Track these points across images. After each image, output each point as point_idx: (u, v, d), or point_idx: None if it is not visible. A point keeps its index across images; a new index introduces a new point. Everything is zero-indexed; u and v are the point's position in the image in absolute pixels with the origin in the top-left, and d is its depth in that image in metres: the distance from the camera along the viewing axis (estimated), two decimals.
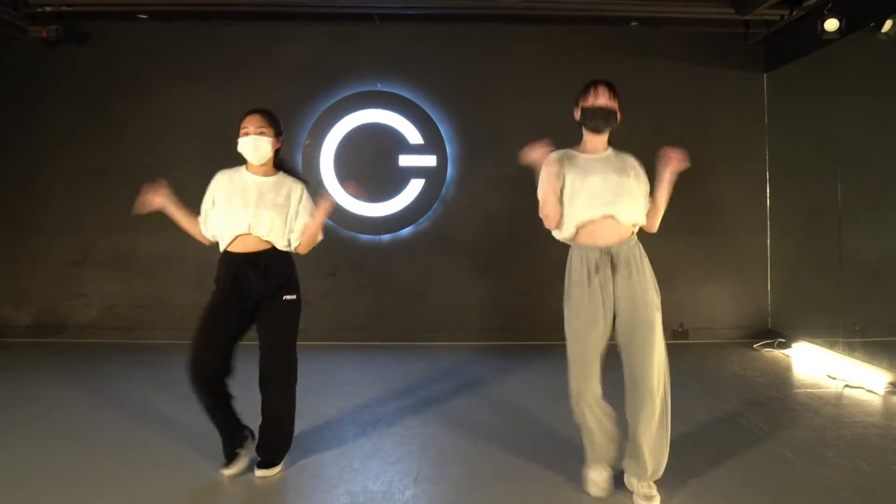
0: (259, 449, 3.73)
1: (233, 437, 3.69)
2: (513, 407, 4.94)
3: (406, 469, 3.77)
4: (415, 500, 3.35)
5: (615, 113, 3.31)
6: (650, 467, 3.23)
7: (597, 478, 3.42)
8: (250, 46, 7.49)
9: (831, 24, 6.01)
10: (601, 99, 3.28)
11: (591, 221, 3.26)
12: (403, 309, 7.45)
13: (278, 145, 3.75)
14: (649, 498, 3.24)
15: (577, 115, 3.41)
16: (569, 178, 3.29)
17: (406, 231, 7.45)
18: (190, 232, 3.83)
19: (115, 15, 7.27)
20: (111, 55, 7.53)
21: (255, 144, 3.61)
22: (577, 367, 3.28)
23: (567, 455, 3.85)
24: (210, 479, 3.61)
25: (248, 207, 3.60)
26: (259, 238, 3.63)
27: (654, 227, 3.49)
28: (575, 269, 3.31)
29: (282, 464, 3.76)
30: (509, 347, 7.04)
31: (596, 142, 3.39)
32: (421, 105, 7.43)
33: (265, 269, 3.65)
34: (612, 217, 3.24)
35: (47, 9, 6.90)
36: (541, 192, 3.35)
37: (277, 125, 3.74)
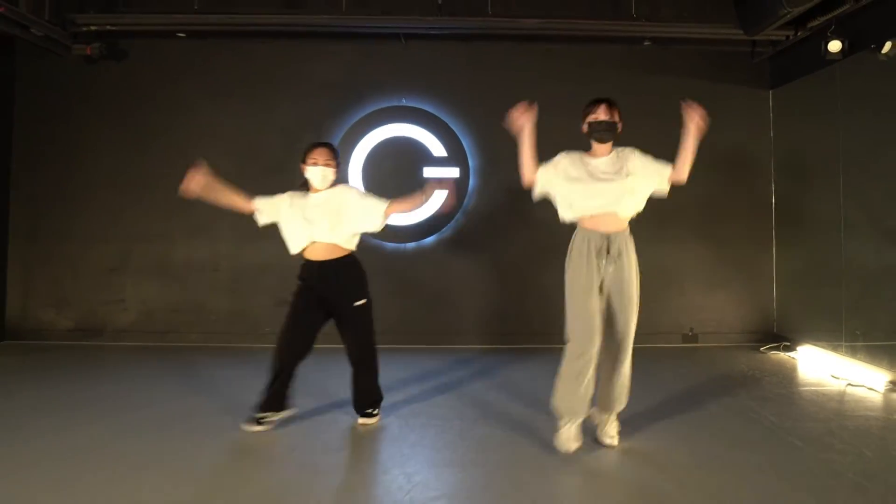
0: (359, 409, 4.73)
1: (276, 402, 4.49)
2: (539, 403, 5.30)
3: (452, 454, 4.14)
4: (465, 480, 3.72)
5: (616, 125, 4.11)
6: (620, 403, 4.17)
7: (573, 432, 4.12)
8: (281, 63, 7.91)
9: (834, 46, 6.39)
10: (602, 114, 4.09)
11: (595, 214, 4.04)
12: (427, 313, 7.84)
13: (337, 174, 4.56)
14: (613, 437, 4.23)
15: (585, 128, 4.19)
16: (576, 176, 4.11)
17: (430, 239, 7.84)
18: (234, 205, 4.61)
19: (154, 33, 7.67)
20: (148, 71, 7.94)
21: (324, 175, 4.44)
22: (580, 325, 3.98)
23: (595, 443, 4.23)
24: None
25: (310, 221, 4.41)
26: (326, 247, 4.41)
27: (683, 175, 4.14)
28: (577, 246, 4.06)
29: (378, 414, 4.77)
30: (529, 350, 7.41)
31: (601, 149, 4.18)
32: (444, 119, 7.85)
33: (335, 275, 4.45)
34: (610, 212, 4.03)
35: (92, 27, 7.30)
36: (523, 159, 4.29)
37: (338, 157, 4.58)
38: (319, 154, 4.45)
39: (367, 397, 4.68)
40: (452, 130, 7.83)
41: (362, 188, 7.71)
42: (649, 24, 7.45)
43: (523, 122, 4.20)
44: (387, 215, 4.55)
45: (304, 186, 4.57)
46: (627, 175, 4.05)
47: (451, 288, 7.86)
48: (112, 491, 3.53)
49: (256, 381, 4.69)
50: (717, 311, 7.88)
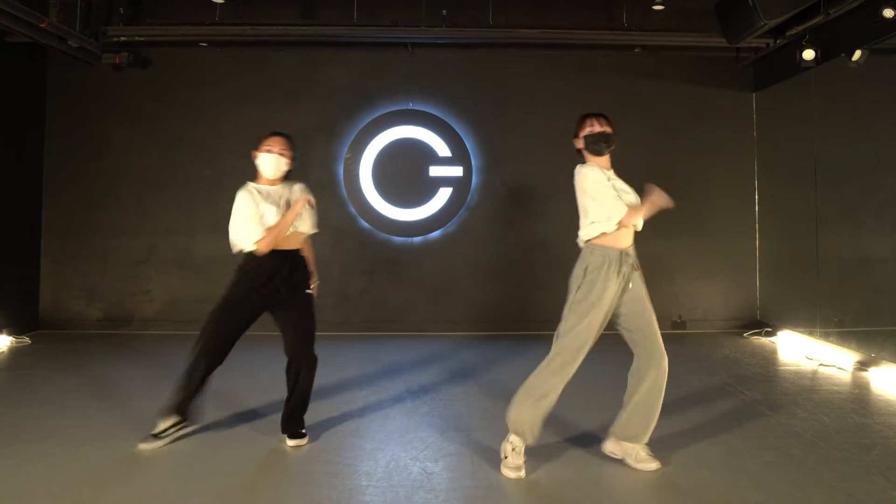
0: (289, 422, 4.29)
1: (191, 403, 4.28)
2: None
3: (459, 422, 4.70)
4: (473, 441, 4.28)
5: (612, 136, 3.90)
6: (652, 425, 3.84)
7: (520, 460, 3.83)
8: (296, 70, 8.48)
9: (808, 54, 6.91)
10: (598, 126, 3.90)
11: (616, 231, 3.77)
12: (433, 303, 8.40)
13: (291, 167, 4.31)
14: (649, 457, 3.85)
15: (579, 143, 3.99)
16: (616, 189, 3.83)
17: (435, 234, 8.39)
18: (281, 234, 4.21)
19: (178, 43, 8.21)
20: (172, 78, 8.50)
21: (277, 164, 4.19)
22: (580, 342, 3.74)
23: (587, 410, 4.79)
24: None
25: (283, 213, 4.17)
26: (297, 237, 4.26)
27: (628, 222, 3.80)
28: (596, 265, 3.75)
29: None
30: (528, 336, 7.96)
31: (603, 162, 3.95)
32: (448, 122, 8.42)
33: (297, 265, 4.26)
34: (634, 225, 3.86)
35: (122, 38, 7.84)
36: (619, 209, 3.77)
37: (294, 149, 4.33)
38: (275, 142, 4.22)
39: (302, 404, 4.34)
40: (456, 132, 8.40)
41: (373, 186, 8.23)
42: (640, 33, 8.03)
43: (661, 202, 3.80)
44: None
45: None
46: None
47: (456, 279, 8.42)
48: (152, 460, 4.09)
49: (272, 363, 5.00)
50: (704, 299, 8.46)
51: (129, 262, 8.44)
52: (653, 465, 3.81)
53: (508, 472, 3.76)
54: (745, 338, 7.91)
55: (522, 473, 3.75)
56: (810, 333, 7.24)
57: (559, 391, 3.80)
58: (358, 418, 4.77)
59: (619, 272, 3.76)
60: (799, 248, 7.64)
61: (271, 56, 8.48)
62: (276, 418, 4.36)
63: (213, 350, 4.18)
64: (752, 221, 8.54)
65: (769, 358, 6.89)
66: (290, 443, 4.22)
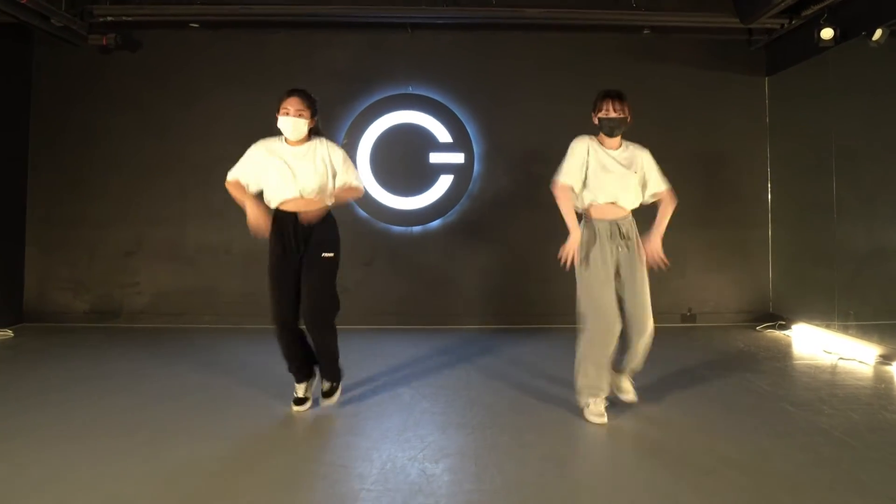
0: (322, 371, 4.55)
1: (309, 370, 4.52)
2: (544, 374, 5.53)
3: (461, 419, 4.38)
4: (475, 440, 3.96)
5: (625, 119, 4.26)
6: (637, 367, 4.43)
7: (602, 407, 4.28)
8: (291, 52, 8.13)
9: (827, 34, 6.61)
10: (612, 111, 4.22)
11: (603, 203, 4.27)
12: (434, 294, 8.07)
13: (313, 125, 4.30)
14: (630, 391, 4.53)
15: (595, 121, 4.32)
16: (591, 168, 4.26)
17: (436, 223, 8.07)
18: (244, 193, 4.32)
19: (168, 24, 7.89)
20: (162, 60, 8.16)
21: (295, 125, 4.17)
22: (602, 312, 4.16)
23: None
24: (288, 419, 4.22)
25: (296, 175, 4.20)
26: (307, 202, 4.22)
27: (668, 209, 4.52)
28: (588, 236, 4.26)
29: (340, 391, 4.63)
30: (532, 329, 7.66)
31: (612, 141, 4.34)
32: (449, 106, 8.08)
33: (310, 227, 4.22)
34: (615, 203, 4.28)
35: (109, 18, 7.52)
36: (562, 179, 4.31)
37: (314, 106, 4.30)
38: (291, 103, 4.18)
39: (327, 361, 4.50)
40: (458, 117, 8.06)
41: (371, 175, 7.92)
42: (649, 14, 7.69)
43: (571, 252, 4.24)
44: (352, 193, 4.44)
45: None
46: (636, 172, 4.29)
47: (456, 270, 8.10)
48: (130, 458, 3.78)
49: (267, 360, 4.98)
50: (714, 291, 8.13)
51: (117, 253, 8.12)
52: (629, 396, 4.54)
53: (593, 419, 4.23)
54: (758, 331, 7.60)
55: (605, 419, 4.20)
56: (827, 326, 6.93)
57: (609, 353, 4.23)
58: (353, 415, 4.45)
59: (610, 240, 4.23)
60: (814, 237, 7.33)
61: (265, 38, 8.14)
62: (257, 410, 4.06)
63: (278, 314, 4.29)
64: (764, 210, 8.21)
65: (785, 352, 6.57)
66: (324, 402, 4.54)
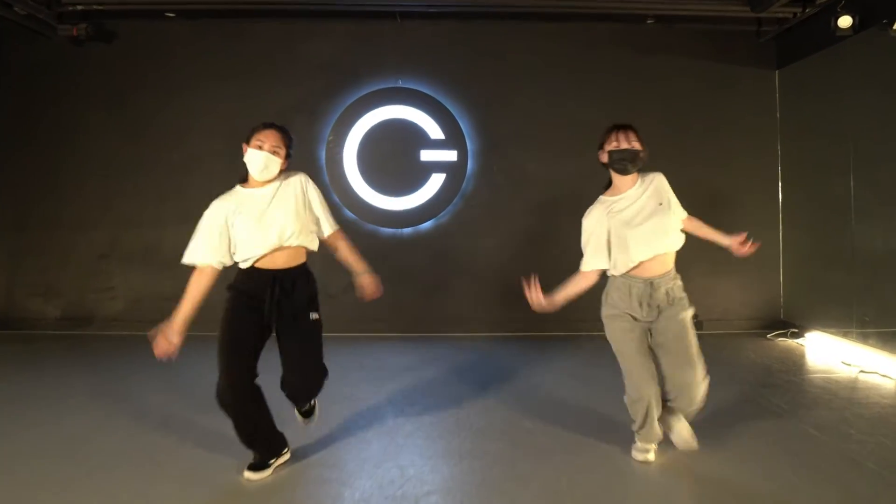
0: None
1: (280, 438, 3.66)
2: (540, 390, 5.11)
3: (448, 445, 3.93)
4: (461, 473, 3.52)
5: (640, 153, 3.52)
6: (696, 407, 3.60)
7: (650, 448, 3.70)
8: (274, 44, 7.67)
9: (845, 21, 6.17)
10: (625, 142, 3.50)
11: (644, 263, 3.49)
12: (424, 301, 7.63)
13: (285, 166, 3.56)
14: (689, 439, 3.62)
15: (604, 158, 3.60)
16: (614, 235, 3.53)
17: (427, 225, 7.63)
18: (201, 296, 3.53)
19: (143, 13, 7.46)
20: (137, 53, 7.70)
21: (267, 163, 3.44)
22: (635, 378, 3.53)
23: (602, 429, 4.03)
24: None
25: (268, 223, 3.44)
26: (289, 253, 3.51)
27: (692, 227, 3.89)
28: (617, 298, 3.56)
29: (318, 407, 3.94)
30: (529, 338, 7.20)
31: (626, 181, 3.59)
32: (441, 101, 7.62)
33: (292, 286, 3.51)
34: (664, 253, 3.52)
35: (78, 7, 7.10)
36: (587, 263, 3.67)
37: (290, 146, 3.58)
38: (267, 136, 3.46)
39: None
40: (450, 112, 7.61)
41: (358, 172, 7.49)
42: (652, 2, 7.20)
43: (541, 302, 3.73)
44: (330, 241, 3.78)
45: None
46: (661, 204, 3.56)
47: (449, 275, 7.65)
48: (86, 486, 3.33)
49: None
50: (722, 297, 7.68)
51: (90, 257, 7.70)
52: (690, 444, 3.63)
53: (637, 455, 3.69)
54: (769, 339, 7.15)
55: (651, 456, 3.67)
56: (845, 335, 6.48)
57: (653, 391, 3.53)
58: (327, 443, 3.99)
59: (640, 303, 3.51)
60: (829, 239, 6.88)
61: (246, 28, 7.68)
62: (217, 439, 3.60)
63: (232, 377, 3.38)
64: (775, 211, 7.76)
65: (799, 363, 6.13)
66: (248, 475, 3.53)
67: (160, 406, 4.74)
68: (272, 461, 3.56)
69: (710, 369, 5.56)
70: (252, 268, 3.47)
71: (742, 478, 3.41)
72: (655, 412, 3.52)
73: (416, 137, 7.61)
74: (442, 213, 7.63)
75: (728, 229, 7.40)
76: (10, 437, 4.05)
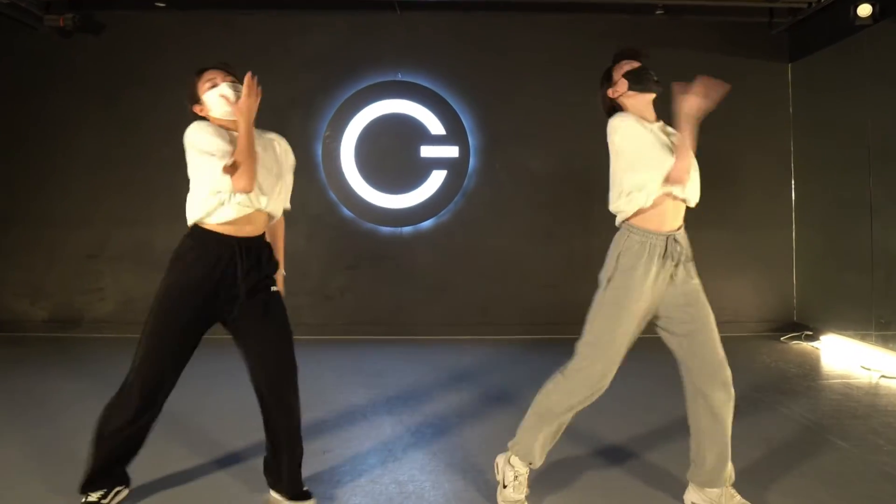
0: (282, 480, 3.03)
1: (124, 472, 3.10)
2: None
3: (450, 459, 3.67)
4: (466, 490, 3.26)
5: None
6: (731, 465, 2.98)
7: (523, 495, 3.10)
8: (268, 36, 7.42)
9: (864, 10, 5.95)
10: (637, 63, 3.07)
11: (666, 200, 2.90)
12: (425, 302, 7.39)
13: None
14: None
15: (619, 89, 3.07)
16: (657, 150, 2.89)
17: (427, 223, 7.38)
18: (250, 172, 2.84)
19: (131, 3, 7.20)
20: (127, 45, 7.44)
21: (235, 93, 2.92)
22: (612, 351, 2.93)
23: (619, 438, 3.77)
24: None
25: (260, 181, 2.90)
26: (262, 218, 2.99)
27: (676, 176, 2.87)
28: (632, 256, 2.89)
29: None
30: (534, 341, 6.96)
31: (650, 108, 3.06)
32: (442, 95, 7.38)
33: (258, 257, 2.99)
34: (684, 200, 2.96)
35: None
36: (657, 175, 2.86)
37: (237, 74, 3.05)
38: (215, 73, 3.03)
39: (299, 455, 3.06)
40: (451, 107, 7.37)
41: (356, 169, 7.27)
42: None
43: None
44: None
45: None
46: None
47: (450, 275, 7.42)
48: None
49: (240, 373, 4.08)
50: (733, 298, 7.43)
51: (78, 256, 7.43)
52: None
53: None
54: (782, 342, 6.91)
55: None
56: (863, 338, 6.22)
57: (578, 410, 3.01)
58: (320, 454, 3.72)
59: (662, 262, 2.89)
60: (846, 239, 6.62)
61: (240, 19, 7.43)
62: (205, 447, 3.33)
63: (153, 381, 2.89)
64: (787, 210, 7.51)
65: (816, 367, 5.88)
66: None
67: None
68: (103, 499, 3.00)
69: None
70: (210, 230, 2.91)
71: (765, 495, 3.14)
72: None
73: (416, 133, 7.36)
74: (443, 212, 7.38)
75: (738, 226, 7.28)
76: None
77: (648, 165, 2.85)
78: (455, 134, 7.34)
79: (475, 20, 7.44)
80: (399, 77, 7.41)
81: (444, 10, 7.37)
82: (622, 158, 2.91)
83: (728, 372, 2.95)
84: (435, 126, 7.35)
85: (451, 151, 7.35)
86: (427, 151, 7.35)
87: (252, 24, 7.42)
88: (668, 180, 2.83)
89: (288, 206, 3.20)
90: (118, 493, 3.06)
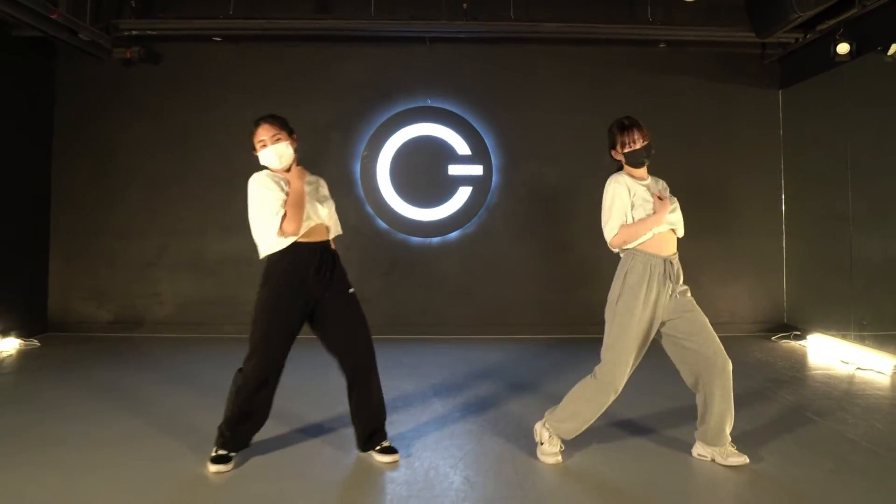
0: (374, 436, 3.90)
1: (251, 432, 3.81)
2: (564, 382, 5.62)
3: (494, 428, 4.48)
4: (511, 449, 4.05)
5: (651, 145, 3.76)
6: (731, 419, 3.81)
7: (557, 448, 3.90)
8: (311, 66, 8.26)
9: (843, 48, 6.71)
10: (639, 141, 3.73)
11: (660, 232, 3.72)
12: (452, 305, 8.18)
13: (295, 144, 3.78)
14: (737, 455, 3.79)
15: (618, 155, 3.81)
16: (636, 206, 3.73)
17: (454, 234, 8.18)
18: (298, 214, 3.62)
19: (191, 38, 8.01)
20: (184, 74, 8.28)
21: (279, 152, 3.66)
22: (622, 364, 3.68)
23: (642, 425, 4.57)
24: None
25: (310, 201, 3.71)
26: (325, 230, 3.77)
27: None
28: (636, 274, 3.68)
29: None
30: (551, 340, 7.76)
31: (642, 173, 3.84)
32: (468, 119, 8.21)
33: (333, 259, 3.79)
34: (673, 230, 3.80)
35: (133, 32, 7.64)
36: (628, 224, 3.74)
37: (287, 126, 3.79)
38: (263, 131, 3.70)
39: (381, 415, 3.96)
40: (476, 129, 8.19)
41: (391, 185, 8.05)
42: (664, 28, 7.84)
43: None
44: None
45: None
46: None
47: (474, 281, 8.20)
48: (154, 472, 3.87)
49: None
50: (729, 302, 8.23)
51: (138, 264, 8.21)
52: (741, 459, 3.78)
53: (546, 458, 3.87)
54: (773, 341, 7.69)
55: (560, 458, 3.86)
56: (843, 337, 7.01)
57: (600, 413, 3.83)
58: (388, 425, 4.49)
59: (662, 280, 3.70)
60: (829, 248, 7.41)
61: (286, 51, 8.27)
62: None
63: (269, 361, 3.68)
64: (778, 222, 8.32)
65: (801, 361, 6.67)
66: (387, 459, 3.86)
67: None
68: (234, 455, 3.76)
69: None
70: (294, 244, 3.61)
71: (751, 455, 3.91)
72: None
73: (445, 153, 8.18)
74: (468, 224, 8.19)
75: (733, 238, 8.06)
76: (98, 426, 4.56)
77: (619, 218, 3.73)
78: (479, 154, 8.16)
79: (498, 52, 8.29)
80: (429, 103, 8.24)
81: (469, 42, 8.22)
82: (606, 208, 3.79)
83: (725, 357, 3.77)
84: (461, 147, 8.17)
85: (476, 170, 8.16)
86: (454, 170, 8.16)
87: (297, 55, 8.25)
88: (647, 222, 3.72)
89: (339, 230, 3.93)
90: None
